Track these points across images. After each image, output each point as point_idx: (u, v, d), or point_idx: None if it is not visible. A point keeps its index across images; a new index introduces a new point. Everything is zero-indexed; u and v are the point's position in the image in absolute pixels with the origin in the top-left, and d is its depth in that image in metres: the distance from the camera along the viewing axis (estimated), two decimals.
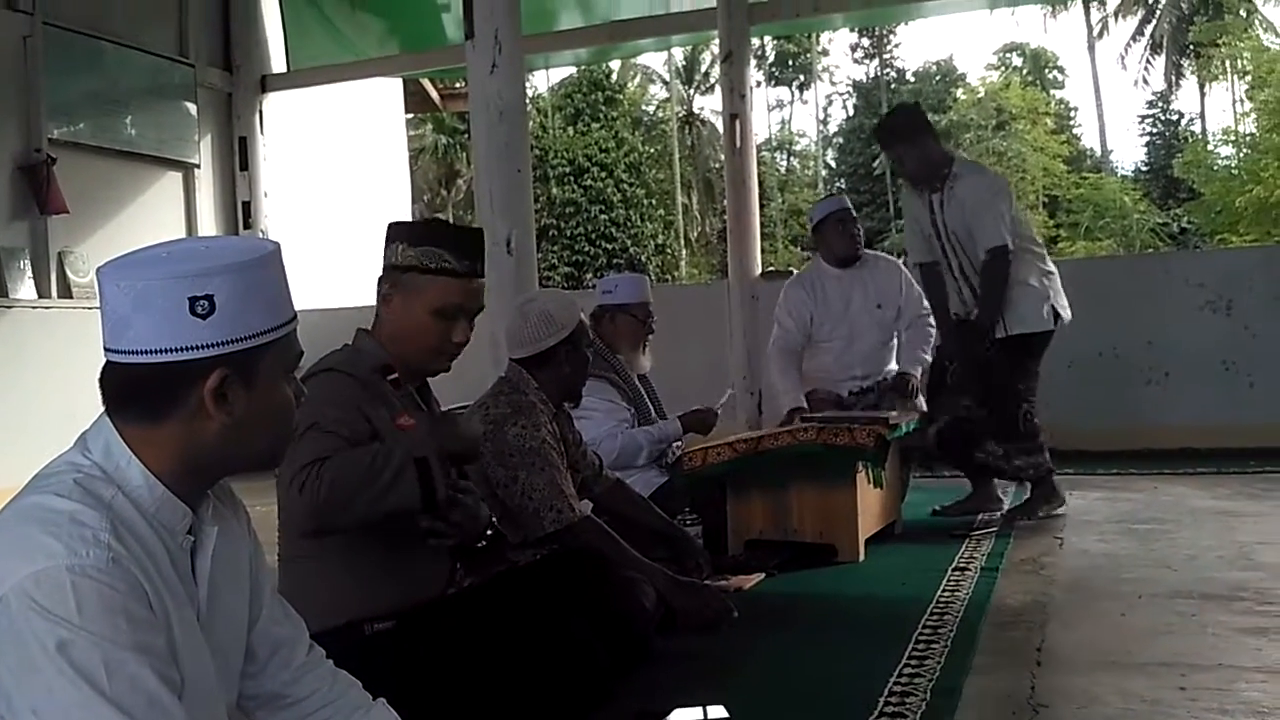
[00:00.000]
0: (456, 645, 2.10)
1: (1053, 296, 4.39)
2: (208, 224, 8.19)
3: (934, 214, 4.44)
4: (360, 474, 1.99)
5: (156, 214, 7.78)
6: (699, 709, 1.84)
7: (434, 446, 2.03)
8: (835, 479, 3.82)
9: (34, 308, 6.70)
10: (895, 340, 4.96)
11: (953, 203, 4.38)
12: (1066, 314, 4.43)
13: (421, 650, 2.08)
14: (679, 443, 4.18)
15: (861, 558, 3.79)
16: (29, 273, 6.75)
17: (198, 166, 8.13)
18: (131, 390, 1.28)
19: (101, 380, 1.30)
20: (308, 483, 1.97)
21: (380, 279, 2.31)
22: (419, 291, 2.24)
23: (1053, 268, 4.51)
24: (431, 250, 2.23)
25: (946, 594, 3.26)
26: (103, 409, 1.31)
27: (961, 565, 3.62)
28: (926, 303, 4.73)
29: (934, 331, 4.76)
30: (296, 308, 1.38)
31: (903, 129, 4.51)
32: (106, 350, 1.28)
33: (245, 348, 1.28)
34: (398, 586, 2.12)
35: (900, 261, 5.16)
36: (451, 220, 29.75)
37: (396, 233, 2.30)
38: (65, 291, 6.94)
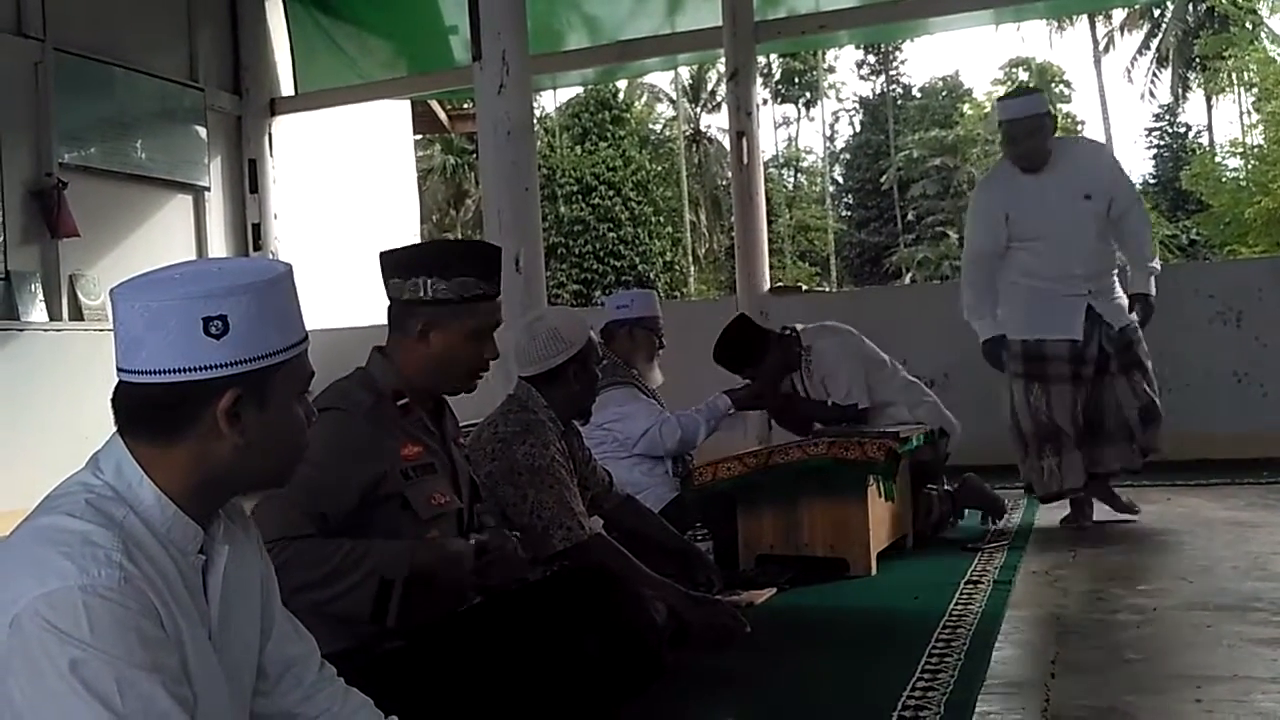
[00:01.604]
0: (467, 664, 2.10)
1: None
2: (218, 246, 8.22)
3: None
4: (322, 572, 1.96)
5: (167, 237, 7.83)
6: None
7: (405, 569, 1.99)
8: (846, 493, 3.80)
9: (45, 330, 6.73)
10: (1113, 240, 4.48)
11: (814, 377, 4.62)
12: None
13: (433, 669, 2.08)
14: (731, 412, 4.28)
15: (873, 572, 3.78)
16: (40, 296, 6.79)
17: (208, 189, 8.18)
18: (144, 410, 1.29)
19: (114, 400, 1.31)
20: (272, 555, 1.94)
21: (406, 315, 2.25)
22: (459, 322, 2.25)
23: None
24: (466, 280, 2.24)
25: (959, 607, 3.24)
26: (114, 429, 1.32)
27: (974, 579, 3.61)
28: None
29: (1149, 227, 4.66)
30: (307, 328, 1.39)
31: (744, 351, 4.62)
32: (119, 370, 1.29)
33: (258, 367, 1.29)
34: (411, 605, 2.12)
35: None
36: (460, 239, 29.88)
37: (418, 265, 2.25)
38: (76, 314, 6.98)
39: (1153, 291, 4.46)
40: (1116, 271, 4.53)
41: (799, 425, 4.64)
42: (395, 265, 2.29)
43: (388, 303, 2.29)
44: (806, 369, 4.64)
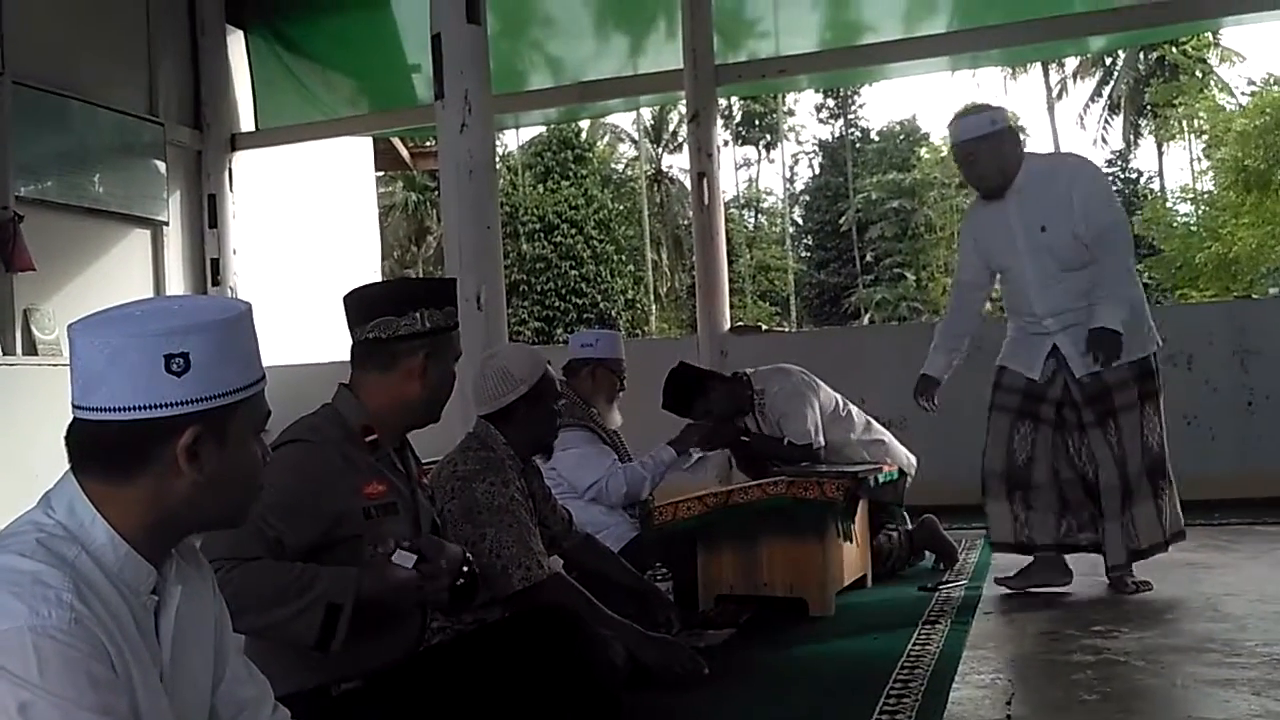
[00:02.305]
0: (424, 705, 2.08)
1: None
2: (176, 281, 8.15)
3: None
4: (267, 594, 1.93)
5: (124, 271, 7.74)
6: None
7: (353, 595, 1.96)
8: (805, 533, 3.81)
9: None
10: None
11: (769, 419, 4.64)
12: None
13: (389, 711, 2.05)
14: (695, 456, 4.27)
15: (832, 611, 3.78)
16: None
17: (166, 224, 8.11)
18: (101, 448, 1.28)
19: (68, 438, 1.30)
20: (219, 575, 1.92)
21: (395, 351, 2.23)
22: (449, 350, 2.31)
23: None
24: (450, 310, 2.31)
25: (917, 647, 3.26)
26: (68, 467, 1.30)
27: (932, 619, 3.62)
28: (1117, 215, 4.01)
29: (1129, 243, 4.05)
30: (266, 364, 1.39)
31: (685, 392, 4.67)
32: (76, 408, 1.28)
33: (219, 405, 1.29)
34: (369, 647, 2.09)
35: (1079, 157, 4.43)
36: (423, 276, 29.85)
37: (413, 299, 2.26)
38: (30, 349, 6.87)
39: (1112, 325, 3.76)
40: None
41: (757, 468, 4.63)
42: (384, 302, 2.28)
43: (363, 340, 2.27)
44: (760, 411, 4.66)
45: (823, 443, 4.55)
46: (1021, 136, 4.40)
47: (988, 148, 3.96)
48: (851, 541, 3.99)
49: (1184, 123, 27.99)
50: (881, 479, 4.29)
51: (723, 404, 4.63)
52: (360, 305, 2.30)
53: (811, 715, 2.73)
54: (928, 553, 4.60)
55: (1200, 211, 24.82)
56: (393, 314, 2.24)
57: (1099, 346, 3.78)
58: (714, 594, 3.91)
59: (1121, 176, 37.05)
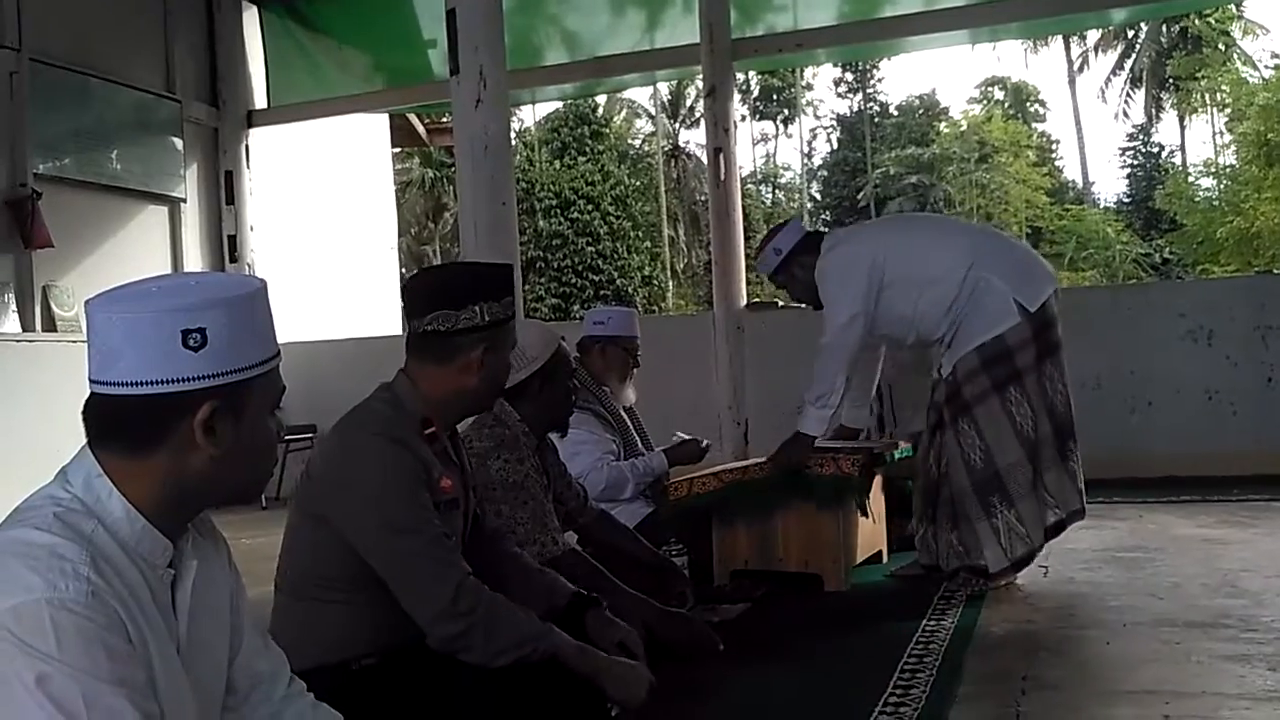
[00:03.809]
0: (441, 682, 2.09)
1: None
2: (193, 258, 8.18)
3: None
4: (504, 640, 2.02)
5: (142, 248, 7.78)
6: None
7: (588, 672, 2.05)
8: (820, 508, 3.81)
9: (18, 341, 6.67)
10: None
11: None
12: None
13: (407, 686, 2.07)
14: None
15: (847, 587, 3.79)
16: (13, 306, 6.73)
17: (183, 200, 8.14)
18: (118, 422, 1.28)
19: (85, 413, 1.31)
20: (460, 605, 2.01)
21: (456, 344, 2.19)
22: (506, 341, 2.29)
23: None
24: (508, 300, 2.27)
25: (932, 623, 3.26)
26: (85, 442, 1.31)
27: (947, 595, 3.62)
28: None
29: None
30: (281, 340, 1.40)
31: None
32: (93, 382, 1.29)
33: (235, 380, 1.30)
34: (389, 624, 2.10)
35: None
36: (439, 254, 29.82)
37: (472, 292, 2.21)
38: (49, 325, 6.92)
39: (803, 429, 3.81)
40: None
41: None
42: (442, 295, 2.23)
43: (421, 333, 2.21)
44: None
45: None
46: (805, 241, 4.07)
47: (785, 276, 4.05)
48: (868, 516, 3.99)
49: (1206, 96, 27.73)
50: (898, 455, 4.28)
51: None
52: (418, 296, 2.26)
53: (826, 691, 2.74)
54: None
55: (1222, 186, 24.63)
56: (451, 307, 2.19)
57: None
58: (729, 569, 3.91)
59: (1143, 151, 36.76)
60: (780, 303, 7.23)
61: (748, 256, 6.92)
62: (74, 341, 6.53)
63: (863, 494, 3.90)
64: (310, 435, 7.15)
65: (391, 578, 2.04)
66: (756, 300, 7.67)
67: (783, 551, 3.86)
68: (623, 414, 4.18)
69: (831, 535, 3.81)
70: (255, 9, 8.77)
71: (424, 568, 2.02)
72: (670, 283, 31.30)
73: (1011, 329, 3.63)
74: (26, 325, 6.80)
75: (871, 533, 4.15)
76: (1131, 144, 37.24)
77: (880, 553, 4.23)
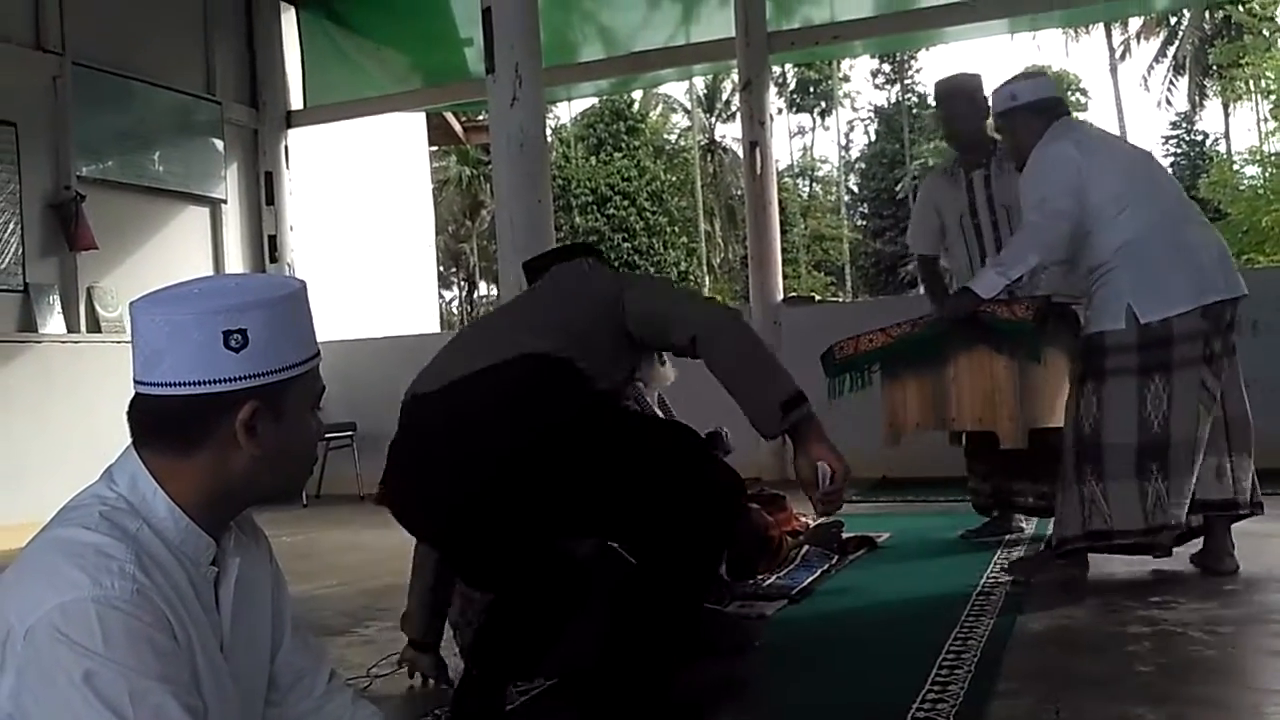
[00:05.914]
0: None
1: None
2: (234, 258, 8.29)
3: (973, 193, 4.28)
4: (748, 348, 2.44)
5: (183, 249, 7.89)
6: None
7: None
8: (996, 351, 3.56)
9: (63, 342, 6.79)
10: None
11: (1004, 175, 4.19)
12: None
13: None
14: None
15: (1024, 444, 3.58)
16: (58, 308, 6.85)
17: (224, 202, 8.24)
18: (162, 422, 1.31)
19: (130, 413, 1.33)
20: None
21: None
22: None
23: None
24: None
25: (971, 618, 3.24)
26: (130, 442, 1.34)
27: (986, 589, 3.60)
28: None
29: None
30: (321, 339, 1.42)
31: (970, 85, 4.40)
32: (137, 383, 1.31)
33: (276, 380, 1.32)
34: None
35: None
36: (476, 250, 29.90)
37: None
38: (94, 326, 7.03)
39: (974, 288, 3.59)
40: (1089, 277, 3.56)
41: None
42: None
43: None
44: (999, 165, 4.29)
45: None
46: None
47: (1007, 121, 3.80)
48: (1040, 364, 3.60)
49: (1250, 83, 27.27)
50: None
51: (973, 128, 4.39)
52: None
53: (862, 686, 2.73)
54: None
55: (1268, 174, 24.20)
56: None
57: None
58: (897, 433, 3.75)
59: (1187, 139, 36.23)
60: (817, 297, 7.21)
61: (785, 250, 6.91)
62: (118, 342, 6.63)
63: (1036, 340, 3.57)
64: (350, 434, 7.22)
65: None
66: (793, 294, 7.66)
67: (955, 410, 3.65)
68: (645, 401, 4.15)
69: (1008, 388, 3.55)
70: (293, 11, 8.86)
71: None
72: (707, 278, 31.27)
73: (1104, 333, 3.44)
74: (71, 326, 6.92)
75: (1049, 399, 3.73)
76: (1175, 132, 36.72)
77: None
